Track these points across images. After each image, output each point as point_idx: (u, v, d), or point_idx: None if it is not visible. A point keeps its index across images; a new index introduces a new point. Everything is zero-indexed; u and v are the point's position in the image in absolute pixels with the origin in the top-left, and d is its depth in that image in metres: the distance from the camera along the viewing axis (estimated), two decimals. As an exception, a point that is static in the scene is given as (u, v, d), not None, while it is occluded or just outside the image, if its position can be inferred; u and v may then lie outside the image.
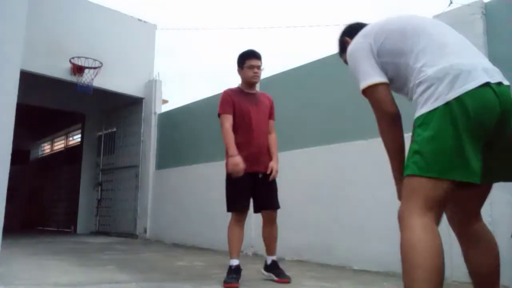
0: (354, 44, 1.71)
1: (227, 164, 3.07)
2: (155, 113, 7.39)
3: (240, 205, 3.11)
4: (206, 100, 6.30)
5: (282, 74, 5.11)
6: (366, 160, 3.89)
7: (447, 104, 1.37)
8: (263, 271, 3.27)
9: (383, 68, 1.64)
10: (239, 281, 2.95)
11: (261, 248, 4.90)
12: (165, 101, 8.12)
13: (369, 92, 1.67)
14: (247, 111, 3.19)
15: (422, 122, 1.43)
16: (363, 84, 1.66)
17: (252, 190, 3.15)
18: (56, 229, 10.24)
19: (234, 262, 3.03)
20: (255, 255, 4.89)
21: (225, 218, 5.47)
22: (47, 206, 11.37)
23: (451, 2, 4.07)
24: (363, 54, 1.65)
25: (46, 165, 12.04)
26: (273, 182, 3.21)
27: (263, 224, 3.26)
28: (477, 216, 1.70)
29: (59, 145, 11.64)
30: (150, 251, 5.33)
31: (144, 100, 7.61)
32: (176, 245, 6.08)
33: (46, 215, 11.29)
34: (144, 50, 7.73)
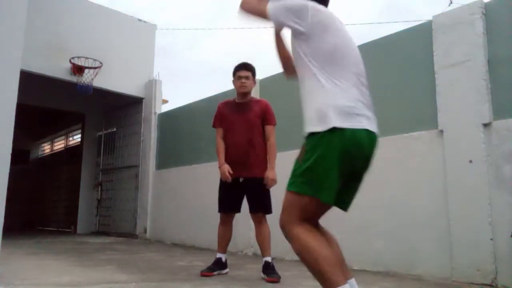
0: None
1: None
2: (155, 113, 7.39)
3: (222, 207, 3.49)
4: (206, 100, 6.30)
5: (282, 74, 5.10)
6: (366, 160, 3.89)
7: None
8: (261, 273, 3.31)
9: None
10: (219, 273, 3.35)
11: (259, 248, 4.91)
12: (165, 101, 8.12)
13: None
14: (231, 121, 3.44)
15: None
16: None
17: (243, 193, 3.40)
18: (56, 229, 10.23)
19: (217, 255, 3.42)
20: (255, 255, 4.89)
21: (225, 218, 5.47)
22: (47, 206, 11.37)
23: (451, 2, 4.08)
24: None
25: (46, 165, 12.04)
26: (259, 187, 3.32)
27: (254, 226, 3.43)
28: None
29: (59, 145, 11.64)
30: (150, 251, 5.33)
31: (144, 100, 7.61)
32: (176, 245, 6.08)
33: (46, 215, 11.28)
34: (144, 50, 7.73)
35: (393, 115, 3.80)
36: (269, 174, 3.30)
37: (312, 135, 1.67)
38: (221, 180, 3.50)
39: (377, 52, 4.05)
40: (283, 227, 1.75)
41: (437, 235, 3.30)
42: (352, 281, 1.76)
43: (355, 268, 3.77)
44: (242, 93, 3.50)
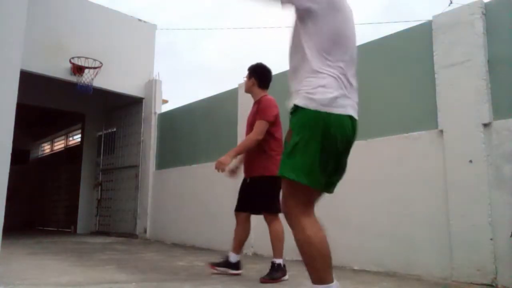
0: None
1: None
2: (155, 113, 7.39)
3: (235, 205, 3.52)
4: (206, 100, 6.30)
5: (282, 74, 5.10)
6: (366, 160, 3.89)
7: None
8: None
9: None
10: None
11: (261, 248, 4.91)
12: (165, 101, 8.12)
13: None
14: (247, 122, 3.58)
15: None
16: None
17: (251, 193, 3.38)
18: (56, 229, 10.24)
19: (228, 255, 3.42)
20: (255, 255, 4.89)
21: (225, 218, 5.48)
22: (47, 206, 11.37)
23: (451, 2, 4.08)
24: None
25: (46, 165, 12.04)
26: (259, 186, 3.28)
27: None
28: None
29: (59, 145, 11.64)
30: (150, 251, 5.33)
31: (144, 100, 7.61)
32: (176, 245, 6.08)
33: (46, 215, 11.28)
34: (144, 50, 7.73)
35: (393, 115, 3.80)
36: (220, 158, 3.26)
37: (296, 110, 1.70)
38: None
39: (377, 52, 4.05)
40: (285, 213, 1.81)
41: (437, 235, 3.30)
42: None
43: (355, 268, 3.77)
44: (247, 92, 3.61)
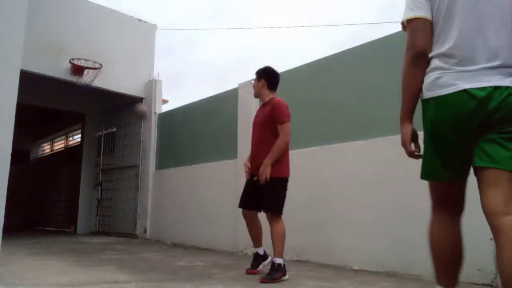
0: None
1: None
2: (155, 113, 7.39)
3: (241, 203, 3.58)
4: (206, 100, 6.30)
5: (282, 74, 5.10)
6: (366, 160, 3.89)
7: None
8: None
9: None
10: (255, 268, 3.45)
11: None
12: (165, 101, 8.12)
13: (407, 25, 1.71)
14: (253, 123, 3.67)
15: None
16: (403, 18, 1.73)
17: (258, 192, 3.40)
18: (56, 229, 10.23)
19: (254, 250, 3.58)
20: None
21: (225, 218, 5.49)
22: (47, 206, 11.36)
23: (451, 2, 4.06)
24: None
25: (46, 165, 12.03)
26: (269, 186, 3.29)
27: None
28: None
29: (59, 145, 11.64)
30: (150, 251, 5.33)
31: (144, 100, 7.61)
32: (176, 245, 6.08)
33: (46, 215, 11.28)
34: (144, 50, 7.73)
35: (393, 115, 3.78)
36: (261, 169, 3.30)
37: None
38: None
39: (377, 52, 4.05)
40: None
41: (437, 235, 3.30)
42: None
43: (355, 268, 3.77)
44: (256, 96, 3.73)
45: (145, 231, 7.06)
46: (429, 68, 1.59)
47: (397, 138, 3.80)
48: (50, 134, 11.93)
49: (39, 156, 12.86)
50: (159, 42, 8.55)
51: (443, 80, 1.50)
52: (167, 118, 7.23)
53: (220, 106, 5.95)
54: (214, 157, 5.87)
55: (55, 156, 11.74)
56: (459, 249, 1.70)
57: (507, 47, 1.46)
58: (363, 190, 3.88)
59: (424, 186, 3.50)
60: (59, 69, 6.60)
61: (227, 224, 5.40)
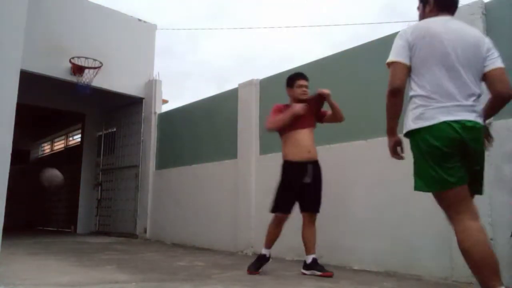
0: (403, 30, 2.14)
1: None
2: (155, 113, 7.39)
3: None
4: (206, 100, 6.30)
5: (282, 74, 5.10)
6: (366, 160, 3.89)
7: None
8: (303, 270, 3.41)
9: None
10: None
11: (260, 248, 4.90)
12: (165, 101, 8.12)
13: (389, 66, 2.09)
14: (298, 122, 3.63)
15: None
16: (388, 60, 2.10)
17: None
18: (56, 229, 10.23)
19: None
20: (255, 255, 4.88)
21: (225, 218, 5.48)
22: (47, 206, 11.36)
23: (451, 2, 4.07)
24: (402, 39, 2.09)
25: (46, 165, 12.01)
26: (319, 182, 3.48)
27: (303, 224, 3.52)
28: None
29: (59, 145, 11.63)
30: (150, 251, 5.33)
31: (144, 100, 7.60)
32: (176, 245, 6.08)
33: (46, 215, 11.27)
34: (144, 50, 7.73)
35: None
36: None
37: None
38: None
39: (377, 52, 4.05)
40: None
41: (437, 235, 3.30)
42: None
43: (355, 268, 3.77)
44: (302, 100, 3.56)
45: (145, 231, 7.06)
46: (412, 106, 2.06)
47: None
48: (50, 134, 11.92)
49: (39, 156, 12.85)
50: (159, 42, 8.55)
51: (426, 115, 1.97)
52: (167, 118, 7.23)
53: (220, 106, 5.95)
54: (214, 157, 5.87)
55: (55, 156, 11.73)
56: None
57: (471, 90, 1.98)
58: (363, 190, 3.88)
59: (424, 186, 3.49)
60: (59, 69, 6.60)
61: (227, 224, 5.40)
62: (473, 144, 1.92)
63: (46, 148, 12.61)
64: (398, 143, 2.22)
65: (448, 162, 1.91)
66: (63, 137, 11.31)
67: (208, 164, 5.95)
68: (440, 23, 2.06)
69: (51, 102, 8.21)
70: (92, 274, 3.29)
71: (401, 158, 2.22)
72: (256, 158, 5.12)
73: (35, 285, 2.82)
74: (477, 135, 1.94)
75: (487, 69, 2.03)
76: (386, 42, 4.02)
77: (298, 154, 3.46)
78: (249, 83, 5.40)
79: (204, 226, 5.82)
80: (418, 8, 2.26)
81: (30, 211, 11.88)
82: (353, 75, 4.22)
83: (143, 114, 7.58)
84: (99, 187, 8.50)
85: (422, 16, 2.22)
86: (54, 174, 5.30)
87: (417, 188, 2.04)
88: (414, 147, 2.04)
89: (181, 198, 6.39)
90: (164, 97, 7.83)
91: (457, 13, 3.43)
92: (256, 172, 5.07)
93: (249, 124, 5.26)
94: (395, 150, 2.22)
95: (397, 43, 2.08)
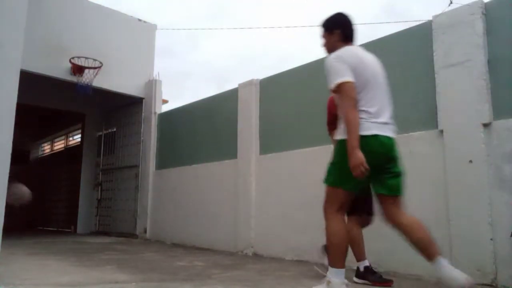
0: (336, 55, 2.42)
1: None
2: (155, 113, 7.39)
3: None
4: (206, 100, 6.30)
5: (282, 74, 5.11)
6: (366, 160, 3.88)
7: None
8: (356, 279, 3.17)
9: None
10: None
11: (260, 248, 4.91)
12: (165, 101, 8.12)
13: (342, 86, 2.33)
14: None
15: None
16: (337, 81, 2.34)
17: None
18: (56, 229, 10.23)
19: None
20: (255, 255, 4.89)
21: (225, 218, 5.48)
22: (47, 206, 11.36)
23: (451, 2, 4.07)
24: (343, 62, 2.37)
25: (46, 165, 12.03)
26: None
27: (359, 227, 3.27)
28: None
29: (59, 145, 11.63)
30: (150, 251, 5.33)
31: (144, 100, 7.61)
32: (176, 245, 6.08)
33: (46, 215, 11.28)
34: (144, 50, 7.73)
35: (393, 115, 3.79)
36: None
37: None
38: None
39: (377, 52, 4.04)
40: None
41: (437, 235, 3.29)
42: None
43: (355, 268, 3.77)
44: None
45: (145, 231, 7.06)
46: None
47: (397, 138, 3.79)
48: (50, 134, 11.92)
49: (39, 156, 12.85)
50: (159, 42, 8.55)
51: (362, 127, 2.30)
52: (167, 118, 7.23)
53: (220, 106, 5.95)
54: (214, 157, 5.87)
55: (55, 156, 11.74)
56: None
57: (389, 111, 2.47)
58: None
59: (424, 186, 3.51)
60: (59, 69, 6.60)
61: (227, 224, 5.40)
62: (391, 153, 2.43)
63: (46, 148, 12.61)
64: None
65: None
66: (63, 137, 11.31)
67: (208, 164, 5.95)
68: (361, 51, 2.48)
69: (51, 102, 8.20)
70: (92, 274, 3.29)
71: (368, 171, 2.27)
72: (256, 158, 5.12)
73: (35, 285, 2.82)
74: (394, 147, 2.45)
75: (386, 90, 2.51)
76: (386, 42, 4.04)
77: None
78: (249, 83, 5.40)
79: (204, 226, 5.82)
80: (324, 36, 2.60)
81: (30, 211, 11.87)
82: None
83: (143, 114, 7.58)
84: (99, 187, 8.50)
85: (328, 44, 2.57)
86: (22, 191, 5.13)
87: (328, 182, 2.50)
88: (339, 151, 2.38)
89: (181, 198, 6.39)
90: (164, 97, 7.83)
91: (457, 13, 3.46)
92: (256, 172, 5.07)
93: (249, 124, 5.26)
94: (366, 165, 2.23)
95: (340, 66, 2.34)
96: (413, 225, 2.37)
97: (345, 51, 2.41)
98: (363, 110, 2.34)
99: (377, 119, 2.35)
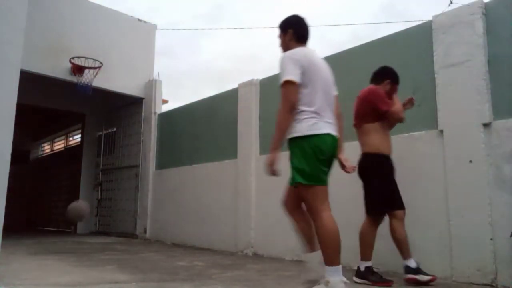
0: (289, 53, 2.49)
1: None
2: (155, 113, 7.39)
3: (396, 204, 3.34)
4: (206, 100, 6.30)
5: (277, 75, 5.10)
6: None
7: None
8: (356, 279, 3.16)
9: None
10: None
11: (260, 248, 4.91)
12: (165, 101, 8.12)
13: (285, 84, 2.41)
14: None
15: None
16: (283, 78, 2.41)
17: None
18: (56, 229, 10.23)
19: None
20: (255, 255, 4.89)
21: (225, 218, 5.48)
22: (47, 206, 11.36)
23: (451, 2, 4.08)
24: (294, 62, 2.43)
25: (46, 165, 12.03)
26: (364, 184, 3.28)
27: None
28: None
29: (59, 145, 11.63)
30: (150, 251, 5.33)
31: (144, 100, 7.61)
32: (176, 245, 6.08)
33: (46, 215, 11.28)
34: (144, 50, 7.73)
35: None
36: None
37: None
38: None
39: (378, 52, 4.05)
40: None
41: (437, 235, 3.30)
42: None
43: (355, 268, 3.77)
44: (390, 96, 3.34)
45: (145, 231, 7.06)
46: (304, 117, 2.40)
47: (397, 138, 3.79)
48: (50, 134, 11.93)
49: (39, 156, 12.85)
50: (159, 42, 8.55)
51: (317, 126, 2.39)
52: (167, 118, 7.23)
53: (220, 106, 5.95)
54: (214, 157, 5.87)
55: (55, 156, 11.74)
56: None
57: (331, 112, 2.55)
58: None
59: (424, 186, 3.51)
60: (59, 69, 6.60)
61: (227, 224, 5.40)
62: (334, 152, 2.53)
63: (46, 148, 12.61)
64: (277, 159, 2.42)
65: (324, 166, 2.41)
66: (63, 137, 11.31)
67: (208, 164, 5.95)
68: (311, 53, 2.54)
69: (51, 102, 8.20)
70: (92, 274, 3.29)
71: (279, 175, 2.43)
72: (256, 158, 5.12)
73: (35, 285, 2.82)
74: (335, 145, 2.52)
75: (333, 93, 2.61)
76: (386, 42, 4.04)
77: (388, 148, 3.21)
78: (249, 83, 5.40)
79: (204, 226, 5.82)
80: (279, 36, 2.68)
81: (30, 211, 11.88)
82: (353, 75, 4.21)
83: (143, 114, 7.58)
84: (99, 187, 8.50)
85: (283, 43, 2.65)
86: (81, 207, 5.22)
87: (295, 180, 2.42)
88: (298, 148, 2.41)
89: (181, 198, 6.39)
90: (164, 97, 7.83)
91: (457, 13, 3.46)
92: (256, 172, 5.07)
93: (249, 124, 5.26)
94: (275, 166, 2.40)
95: (290, 66, 2.40)
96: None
97: (297, 51, 2.49)
98: (313, 111, 2.41)
99: (328, 119, 2.46)
